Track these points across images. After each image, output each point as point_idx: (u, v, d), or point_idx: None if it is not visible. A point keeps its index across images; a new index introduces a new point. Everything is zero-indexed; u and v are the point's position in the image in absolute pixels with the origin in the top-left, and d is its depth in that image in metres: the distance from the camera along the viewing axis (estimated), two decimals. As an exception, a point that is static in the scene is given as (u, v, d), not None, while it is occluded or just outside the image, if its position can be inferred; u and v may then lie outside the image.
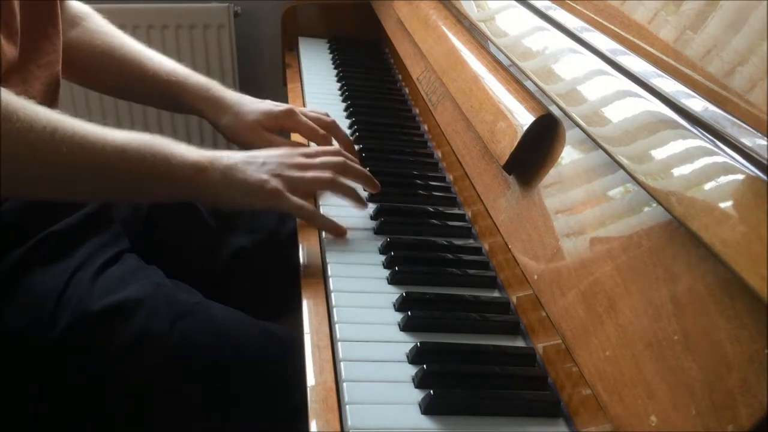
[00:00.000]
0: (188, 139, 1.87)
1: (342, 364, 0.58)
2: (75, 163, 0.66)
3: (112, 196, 0.79)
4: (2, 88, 0.62)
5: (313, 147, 0.80)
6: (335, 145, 0.91)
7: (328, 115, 0.94)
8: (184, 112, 0.98)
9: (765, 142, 0.41)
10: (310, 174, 0.75)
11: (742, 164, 0.41)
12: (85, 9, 0.96)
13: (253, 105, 0.91)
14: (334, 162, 0.77)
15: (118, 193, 0.75)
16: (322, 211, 0.80)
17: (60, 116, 0.65)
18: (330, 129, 0.92)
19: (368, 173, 0.81)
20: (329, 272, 0.70)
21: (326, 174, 0.75)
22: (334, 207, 0.81)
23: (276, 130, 0.91)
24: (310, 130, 0.90)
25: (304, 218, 0.76)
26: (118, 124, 1.72)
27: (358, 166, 0.81)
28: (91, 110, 1.70)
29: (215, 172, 0.72)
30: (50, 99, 0.81)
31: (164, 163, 0.70)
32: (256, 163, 0.74)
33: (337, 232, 0.75)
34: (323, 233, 0.76)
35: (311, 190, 0.77)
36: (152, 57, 0.95)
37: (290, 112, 0.90)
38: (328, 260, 0.72)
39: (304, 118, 0.91)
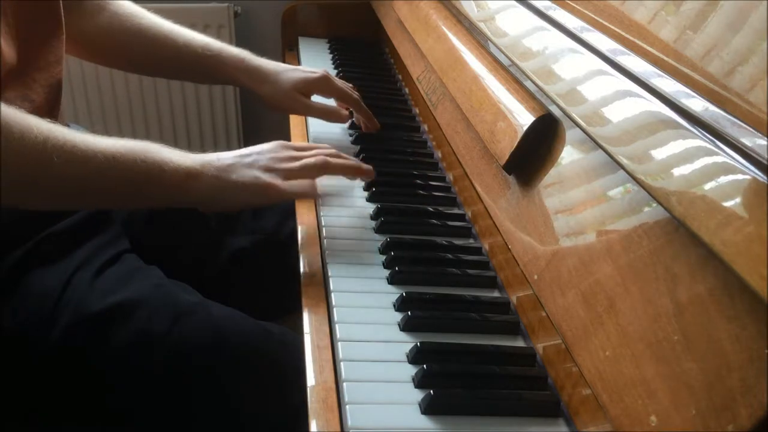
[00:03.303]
0: (188, 138, 1.86)
1: (342, 364, 0.58)
2: (66, 173, 0.65)
3: (105, 205, 0.79)
4: None
5: (306, 143, 0.81)
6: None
7: (354, 89, 1.01)
8: (220, 83, 1.05)
9: (765, 142, 0.41)
10: (301, 162, 0.75)
11: (742, 164, 0.41)
12: None
13: (289, 73, 0.97)
14: (326, 152, 0.78)
15: (110, 202, 0.75)
16: (322, 212, 0.80)
17: (52, 126, 0.65)
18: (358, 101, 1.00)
19: (359, 163, 0.81)
20: (329, 272, 0.70)
21: (317, 158, 0.76)
22: (334, 207, 0.81)
23: (311, 95, 0.98)
24: (343, 92, 0.98)
25: (305, 197, 0.76)
26: (118, 123, 1.72)
27: (351, 159, 0.81)
28: (92, 111, 1.70)
29: (208, 176, 0.71)
30: (52, 102, 0.80)
31: (156, 171, 0.69)
32: (247, 160, 0.74)
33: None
34: (323, 232, 0.76)
35: (304, 178, 0.77)
36: (183, 33, 0.98)
37: (325, 78, 0.97)
38: (328, 260, 0.72)
39: (337, 83, 0.98)
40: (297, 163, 0.75)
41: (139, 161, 0.68)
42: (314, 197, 0.77)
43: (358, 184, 0.88)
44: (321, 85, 0.97)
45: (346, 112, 0.99)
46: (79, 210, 0.82)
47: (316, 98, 0.99)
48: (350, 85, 1.03)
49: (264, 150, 0.76)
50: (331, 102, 1.02)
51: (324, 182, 0.80)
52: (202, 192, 0.71)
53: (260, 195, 0.73)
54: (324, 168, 0.76)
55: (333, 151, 0.79)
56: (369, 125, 1.01)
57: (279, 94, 0.96)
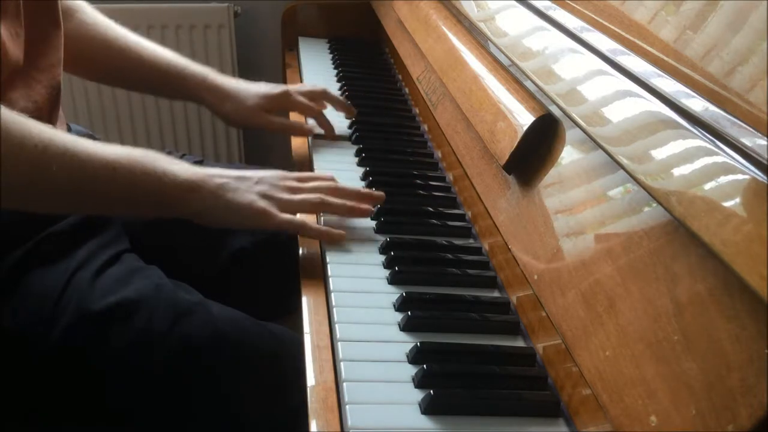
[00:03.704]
0: (188, 137, 1.85)
1: (342, 364, 0.58)
2: (64, 180, 0.65)
3: (103, 211, 0.79)
4: None
5: (308, 173, 0.80)
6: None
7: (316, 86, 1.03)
8: (182, 99, 1.05)
9: (765, 142, 0.42)
10: (299, 197, 0.75)
11: (742, 164, 0.41)
12: (77, 2, 0.97)
13: (251, 90, 0.98)
14: (325, 186, 0.77)
15: (108, 210, 0.75)
16: (323, 218, 0.80)
17: (52, 132, 0.65)
18: (323, 97, 1.01)
19: (363, 190, 0.79)
20: (329, 272, 0.70)
21: (315, 196, 0.75)
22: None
23: (275, 111, 0.98)
24: (304, 107, 1.00)
25: (295, 232, 0.75)
26: (118, 123, 1.72)
27: (351, 188, 0.79)
28: (92, 111, 1.70)
29: (206, 192, 0.71)
30: (53, 103, 0.80)
31: (155, 182, 0.69)
32: (248, 183, 0.74)
33: (331, 239, 0.74)
34: (323, 233, 0.76)
35: (300, 212, 0.76)
36: (148, 47, 0.98)
37: (286, 94, 0.99)
38: (328, 260, 0.72)
39: (299, 98, 0.99)
40: (296, 197, 0.74)
41: (139, 173, 0.68)
42: (304, 235, 0.76)
43: (359, 184, 0.88)
44: (282, 101, 0.99)
45: (309, 127, 1.00)
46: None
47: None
48: (321, 87, 1.02)
49: (265, 177, 0.75)
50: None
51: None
52: (199, 206, 0.71)
53: (253, 219, 0.72)
54: (320, 206, 0.76)
55: (333, 184, 0.78)
56: (328, 136, 1.01)
57: (241, 111, 0.97)
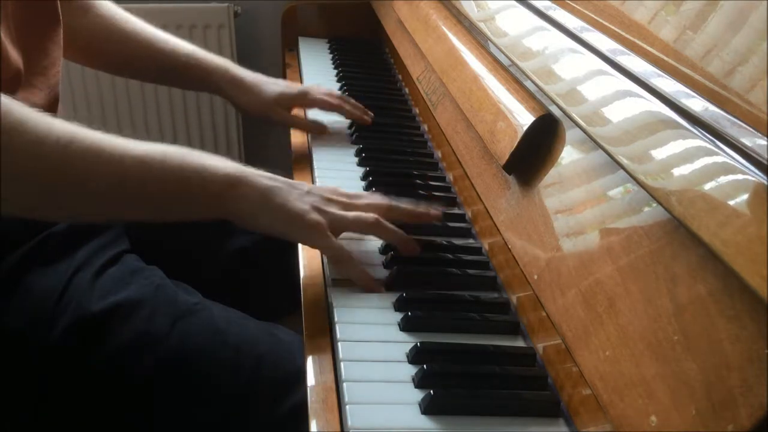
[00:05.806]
0: (188, 137, 1.85)
1: (342, 364, 0.58)
2: (92, 178, 0.61)
3: (133, 215, 0.71)
4: (11, 99, 0.58)
5: (358, 191, 0.76)
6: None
7: (339, 98, 1.03)
8: (201, 90, 1.08)
9: (765, 142, 0.42)
10: (352, 214, 0.70)
11: (742, 164, 0.41)
12: None
13: (270, 86, 1.00)
14: (377, 204, 0.73)
15: (139, 211, 0.67)
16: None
17: (75, 128, 0.61)
18: (342, 100, 1.02)
19: (419, 209, 0.75)
20: (329, 273, 0.70)
21: (370, 215, 0.70)
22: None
23: (291, 108, 1.02)
24: (324, 100, 1.01)
25: (339, 262, 0.69)
26: (118, 124, 1.72)
27: (406, 207, 0.74)
28: (92, 111, 1.70)
29: (251, 190, 0.66)
30: (52, 106, 0.80)
31: (192, 176, 0.64)
32: (300, 191, 0.69)
33: (371, 288, 0.68)
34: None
35: (352, 231, 0.71)
36: (167, 40, 0.99)
37: (304, 93, 1.01)
38: (327, 261, 0.71)
39: (318, 95, 1.01)
40: (349, 214, 0.70)
41: (174, 166, 0.63)
42: (345, 269, 0.69)
43: (359, 184, 0.88)
44: (300, 99, 1.01)
45: (324, 125, 1.01)
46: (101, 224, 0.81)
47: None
48: (337, 92, 1.03)
49: (315, 188, 0.71)
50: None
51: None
52: (240, 206, 0.66)
53: (304, 232, 0.67)
54: (374, 227, 0.70)
55: (387, 203, 0.73)
56: (360, 121, 1.03)
57: (260, 105, 0.98)
